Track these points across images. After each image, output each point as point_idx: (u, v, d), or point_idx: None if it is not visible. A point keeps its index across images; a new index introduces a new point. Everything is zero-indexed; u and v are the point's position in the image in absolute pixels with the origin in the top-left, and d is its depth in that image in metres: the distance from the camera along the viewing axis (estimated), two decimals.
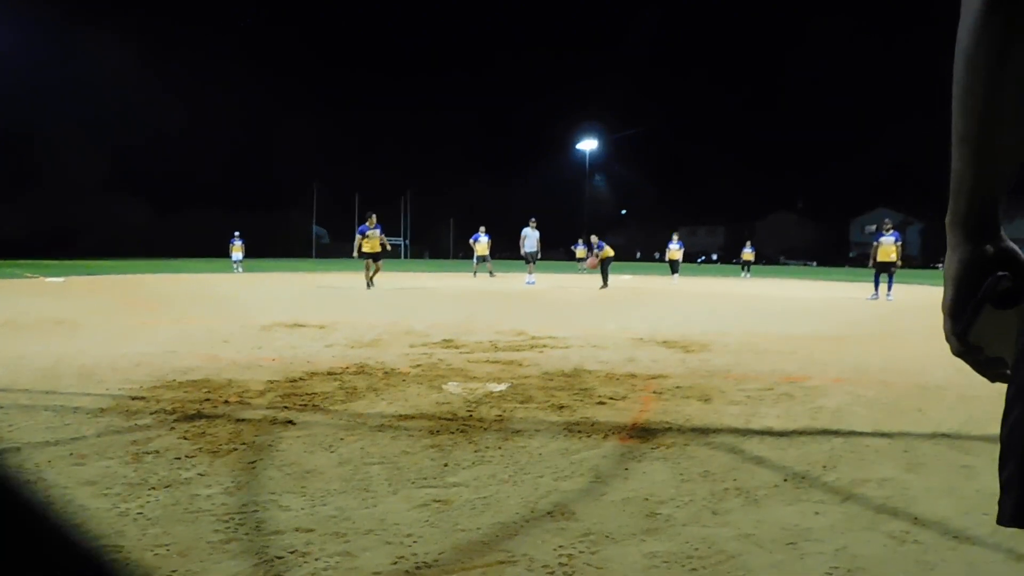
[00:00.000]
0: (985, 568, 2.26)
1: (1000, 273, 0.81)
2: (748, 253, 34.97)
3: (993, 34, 0.77)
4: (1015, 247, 0.83)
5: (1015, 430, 0.73)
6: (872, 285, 17.11)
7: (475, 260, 25.19)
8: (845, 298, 17.40)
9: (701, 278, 32.95)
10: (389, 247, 18.85)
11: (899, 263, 16.50)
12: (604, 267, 21.58)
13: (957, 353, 0.86)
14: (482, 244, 24.83)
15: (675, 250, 26.97)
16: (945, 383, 5.30)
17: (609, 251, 21.43)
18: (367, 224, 18.35)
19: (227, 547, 2.30)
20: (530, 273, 23.35)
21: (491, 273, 25.68)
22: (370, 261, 18.13)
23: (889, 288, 16.73)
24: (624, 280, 28.13)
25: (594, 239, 22.68)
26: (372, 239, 18.25)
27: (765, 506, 2.78)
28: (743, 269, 34.79)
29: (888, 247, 16.39)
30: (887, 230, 16.48)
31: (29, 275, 22.85)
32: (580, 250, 23.59)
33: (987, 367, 0.84)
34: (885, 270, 16.53)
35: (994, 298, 0.80)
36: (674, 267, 27.21)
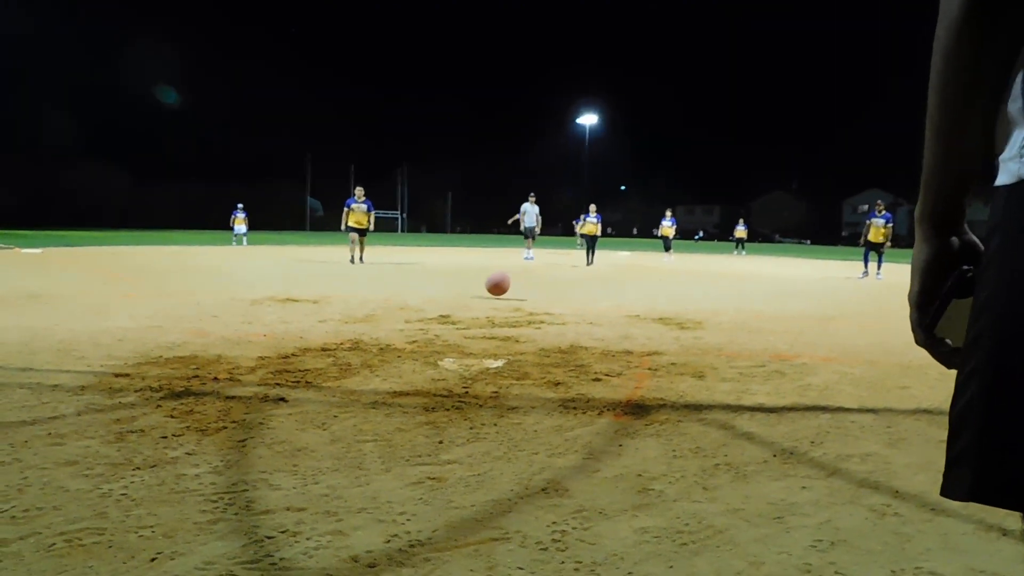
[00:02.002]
0: (958, 539, 2.33)
1: (964, 267, 0.84)
2: (741, 231, 35.23)
3: (972, 29, 0.78)
4: (977, 240, 0.85)
5: (970, 407, 0.75)
6: (862, 263, 17.35)
7: (524, 233, 24.97)
8: (836, 277, 17.49)
9: (697, 255, 33.01)
10: (372, 228, 18.63)
11: (888, 244, 17.05)
12: (591, 244, 21.62)
13: (921, 343, 0.89)
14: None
15: (667, 227, 26.98)
16: (928, 362, 5.27)
17: (591, 227, 21.49)
18: (354, 196, 18.22)
19: (215, 527, 2.29)
20: (528, 248, 23.34)
21: (590, 258, 25.49)
22: (355, 235, 18.00)
23: (879, 267, 17.19)
24: (621, 257, 28.17)
25: (592, 208, 22.66)
26: (357, 212, 18.07)
27: (754, 481, 2.84)
28: (737, 247, 34.99)
29: (878, 228, 16.92)
30: (879, 211, 17.00)
31: (3, 246, 22.62)
32: (589, 222, 23.53)
33: (949, 358, 0.86)
34: (874, 249, 16.99)
35: (958, 292, 0.83)
36: (667, 244, 27.22)
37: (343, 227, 18.28)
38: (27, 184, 58.91)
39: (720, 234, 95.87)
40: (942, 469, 0.77)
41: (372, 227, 18.65)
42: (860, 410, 4.02)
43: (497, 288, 9.81)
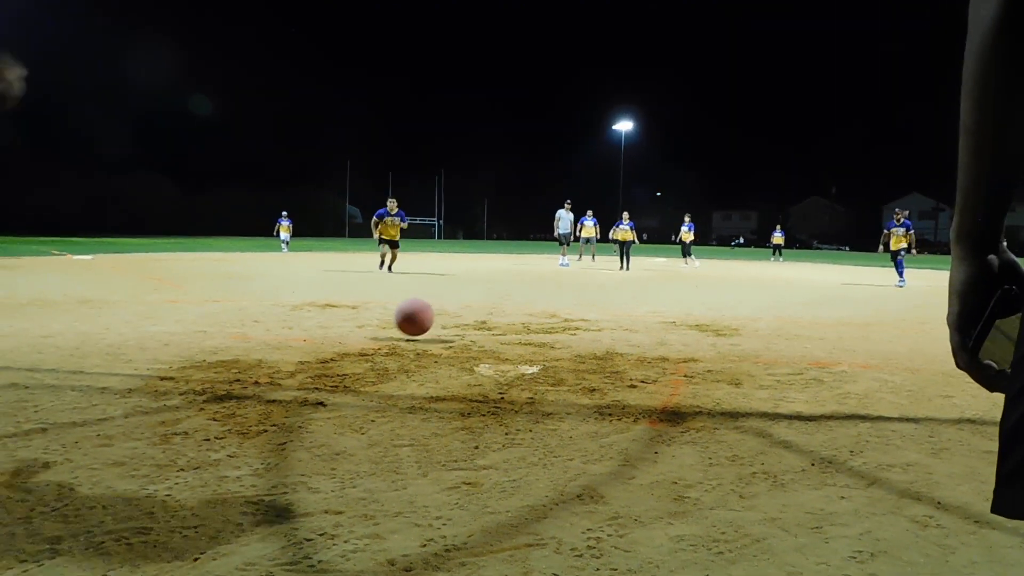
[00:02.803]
0: (1003, 552, 2.28)
1: (1006, 287, 0.82)
2: (778, 237, 34.85)
3: (1009, 33, 0.76)
4: (1015, 259, 0.84)
5: (1020, 425, 0.73)
6: (896, 272, 17.27)
7: (581, 242, 25.08)
8: (875, 283, 17.20)
9: (734, 262, 32.70)
10: (406, 226, 17.29)
11: (911, 251, 17.16)
12: (625, 250, 21.84)
13: (964, 367, 0.85)
14: (588, 227, 24.77)
15: (686, 232, 26.61)
16: None
17: (625, 233, 22.17)
18: (386, 208, 17.03)
19: (256, 529, 2.34)
20: (564, 255, 23.34)
21: (593, 257, 25.57)
22: (386, 247, 16.95)
23: (900, 273, 17.01)
24: (658, 263, 28.00)
25: (625, 215, 22.87)
26: (390, 225, 16.86)
27: (791, 490, 2.81)
28: (774, 253, 34.64)
29: (899, 236, 17.00)
30: (898, 220, 17.12)
31: (57, 252, 23.20)
32: (621, 229, 23.51)
33: (994, 381, 0.82)
34: (895, 257, 17.08)
35: (1001, 312, 0.81)
36: (686, 249, 26.72)
37: (376, 239, 17.19)
38: (79, 193, 60.46)
39: (758, 240, 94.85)
40: (986, 480, 0.77)
41: (406, 225, 17.47)
42: (901, 419, 3.96)
43: (410, 323, 6.30)
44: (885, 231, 17.34)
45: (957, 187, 0.83)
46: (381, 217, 16.88)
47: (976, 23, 0.79)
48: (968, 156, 0.81)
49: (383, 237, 16.79)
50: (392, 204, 17.01)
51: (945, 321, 0.89)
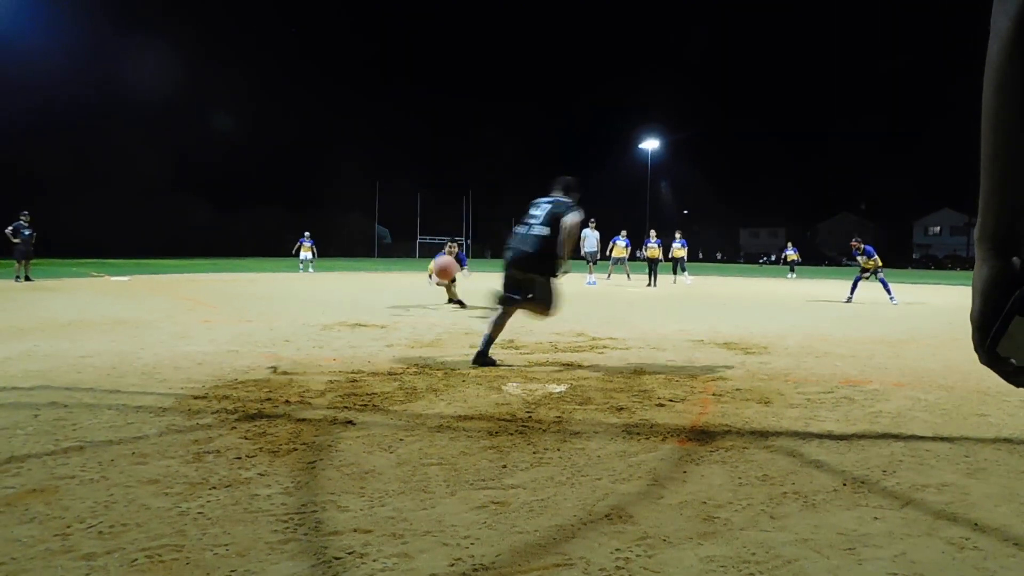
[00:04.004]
0: None
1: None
2: (792, 254, 34.28)
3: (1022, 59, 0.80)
4: None
5: None
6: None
7: (611, 262, 25.06)
8: (906, 300, 16.95)
9: (761, 279, 32.42)
10: (465, 273, 14.42)
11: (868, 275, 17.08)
12: (652, 268, 21.98)
13: (985, 363, 0.89)
14: (619, 247, 24.77)
15: (678, 248, 25.75)
16: (1008, 388, 5.14)
17: (653, 251, 22.71)
18: (445, 251, 13.69)
19: (285, 547, 2.36)
20: (591, 273, 23.29)
21: (628, 276, 25.50)
22: (448, 284, 13.55)
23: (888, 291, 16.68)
24: (684, 280, 27.86)
25: (652, 233, 22.91)
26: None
27: (823, 511, 2.78)
28: (790, 270, 34.16)
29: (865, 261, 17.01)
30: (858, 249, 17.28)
31: (95, 274, 23.65)
32: (650, 247, 23.36)
33: (1015, 376, 0.87)
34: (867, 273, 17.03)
35: (1020, 311, 0.83)
36: (677, 266, 25.76)
37: (431, 280, 13.73)
38: (116, 216, 61.65)
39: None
40: None
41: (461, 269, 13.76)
42: (935, 438, 3.90)
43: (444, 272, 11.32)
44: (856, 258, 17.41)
45: (980, 190, 0.87)
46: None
47: (995, 36, 0.83)
48: (989, 161, 0.85)
49: (440, 282, 13.52)
50: (452, 247, 13.88)
51: (968, 319, 0.92)
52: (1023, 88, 0.80)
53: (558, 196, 6.46)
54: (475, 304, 12.47)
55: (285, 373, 5.52)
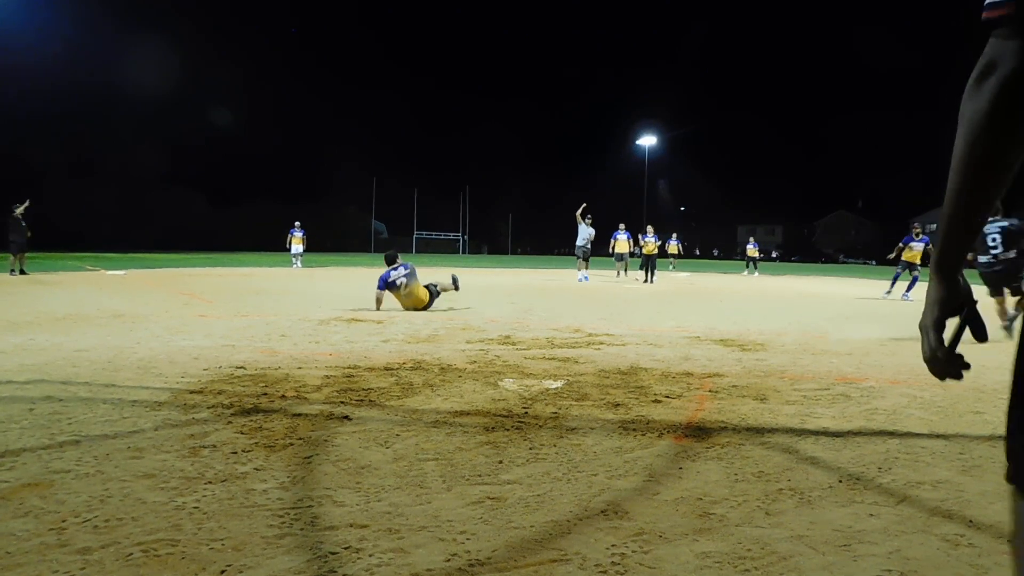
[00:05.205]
0: None
1: (970, 306, 1.18)
2: (752, 250, 33.24)
3: (1007, 118, 1.01)
4: (968, 283, 1.19)
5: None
6: (889, 282, 17.64)
7: (615, 258, 24.92)
8: (903, 299, 16.98)
9: (759, 276, 32.45)
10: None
11: (919, 267, 17.01)
12: (650, 263, 21.96)
13: (942, 357, 1.17)
14: (621, 242, 24.63)
15: (650, 243, 25.26)
16: (1003, 386, 5.15)
17: (650, 246, 22.94)
18: (391, 269, 10.69)
19: (281, 542, 2.36)
20: (579, 270, 22.96)
21: (626, 271, 25.38)
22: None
23: (910, 288, 16.99)
24: (682, 277, 27.88)
25: (650, 229, 22.93)
26: (407, 293, 10.58)
27: (819, 507, 2.79)
28: (747, 265, 32.86)
29: (915, 252, 16.95)
30: (917, 236, 17.07)
31: (91, 268, 23.62)
32: (646, 242, 23.24)
33: (960, 369, 1.18)
34: (909, 269, 17.02)
35: (961, 320, 1.19)
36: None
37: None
38: (112, 210, 61.56)
39: (784, 255, 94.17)
40: None
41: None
42: (930, 435, 3.91)
43: None
44: (900, 244, 17.26)
45: (940, 234, 1.15)
46: (388, 284, 10.60)
47: (967, 118, 1.05)
48: (952, 217, 1.11)
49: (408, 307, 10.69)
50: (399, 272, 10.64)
51: (919, 326, 1.21)
52: (992, 166, 1.05)
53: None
54: (466, 302, 12.47)
55: (279, 368, 5.52)
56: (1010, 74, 0.99)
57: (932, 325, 1.18)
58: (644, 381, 5.24)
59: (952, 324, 1.20)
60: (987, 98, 1.01)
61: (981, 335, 1.20)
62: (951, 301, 1.17)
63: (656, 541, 2.43)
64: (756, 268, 33.08)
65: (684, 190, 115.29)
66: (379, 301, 10.59)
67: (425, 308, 10.64)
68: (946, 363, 1.17)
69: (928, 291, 1.19)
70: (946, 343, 1.17)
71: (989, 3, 1.04)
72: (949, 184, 1.09)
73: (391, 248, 11.67)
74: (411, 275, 10.59)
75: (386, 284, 10.55)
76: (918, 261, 16.77)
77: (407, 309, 10.52)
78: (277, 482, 2.95)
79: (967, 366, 1.17)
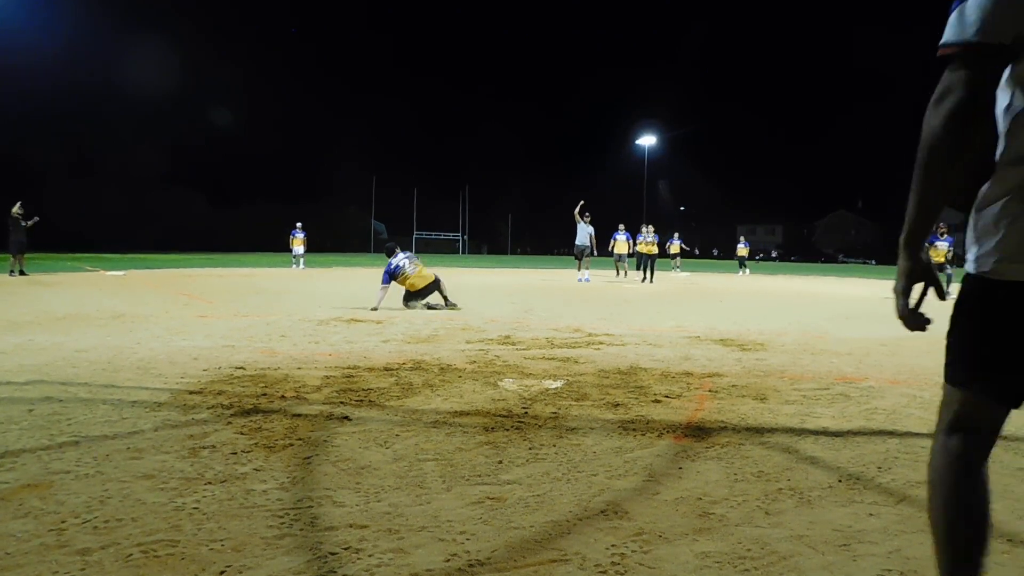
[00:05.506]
0: None
1: (932, 272, 1.53)
2: (743, 249, 33.09)
3: (958, 138, 1.35)
4: (929, 257, 1.54)
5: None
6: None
7: (615, 258, 24.87)
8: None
9: (759, 276, 32.47)
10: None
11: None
12: (649, 263, 21.96)
13: (907, 316, 1.55)
14: (620, 242, 24.58)
15: (621, 241, 25.09)
16: None
17: (648, 246, 22.98)
18: (392, 258, 11.10)
19: (281, 542, 2.36)
20: (578, 270, 22.91)
21: (625, 272, 25.32)
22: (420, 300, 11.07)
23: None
24: (682, 277, 27.89)
25: (649, 228, 22.95)
26: (413, 270, 11.02)
27: (819, 507, 2.78)
28: (740, 266, 32.81)
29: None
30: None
31: (90, 268, 23.63)
32: (642, 242, 23.23)
33: (923, 324, 1.56)
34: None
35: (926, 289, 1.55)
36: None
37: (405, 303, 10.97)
38: (112, 210, 61.52)
39: (784, 255, 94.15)
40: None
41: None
42: (930, 435, 3.86)
43: None
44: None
45: (907, 216, 1.48)
46: (394, 273, 10.92)
47: (927, 130, 1.38)
48: (917, 206, 1.46)
49: (411, 291, 10.96)
50: (401, 258, 11.09)
51: (892, 290, 1.57)
52: (949, 165, 1.39)
53: None
54: (465, 302, 12.47)
55: (279, 368, 5.52)
56: (959, 99, 1.33)
57: (900, 291, 1.53)
58: (644, 381, 5.24)
59: (918, 289, 1.54)
60: (942, 116, 1.35)
61: (940, 295, 1.54)
62: (914, 271, 1.51)
63: (656, 541, 2.43)
64: (744, 267, 32.92)
65: (684, 190, 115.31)
66: (380, 300, 10.74)
67: (429, 289, 10.97)
68: (912, 320, 1.54)
69: (898, 264, 1.53)
70: (911, 305, 1.53)
71: (942, 43, 1.36)
72: (913, 180, 1.43)
73: (390, 243, 11.80)
74: (413, 258, 11.18)
75: (391, 276, 10.90)
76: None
77: (413, 289, 10.90)
78: (277, 483, 2.94)
79: (929, 320, 1.55)
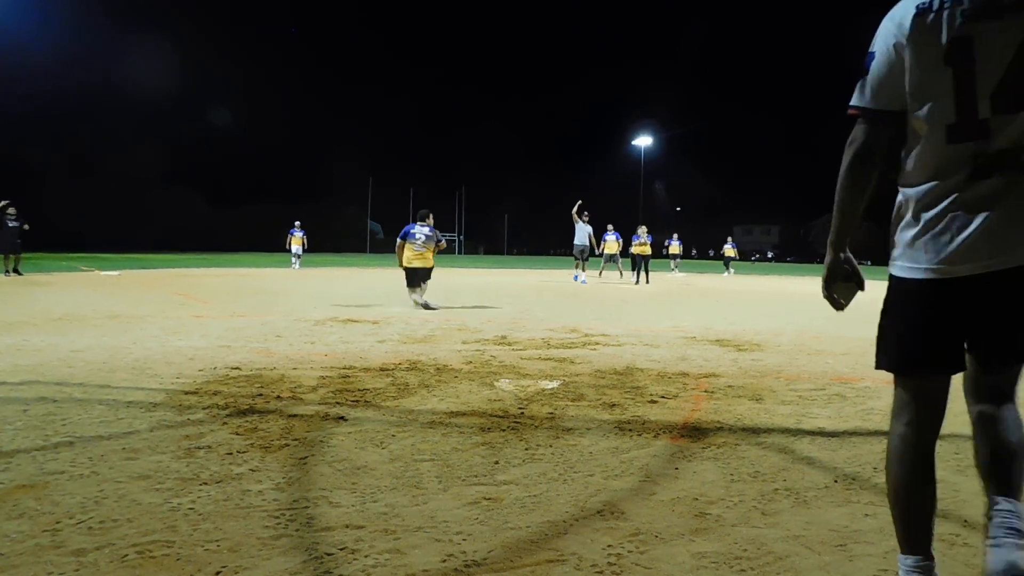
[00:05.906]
0: None
1: (854, 268, 2.01)
2: (729, 249, 33.11)
3: (860, 172, 1.88)
4: (851, 255, 1.99)
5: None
6: None
7: (604, 259, 24.80)
8: None
9: (755, 276, 32.49)
10: (444, 245, 12.16)
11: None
12: (643, 264, 21.93)
13: (827, 298, 2.08)
14: (611, 243, 24.50)
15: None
16: None
17: (642, 247, 22.56)
18: (417, 223, 11.79)
19: (277, 543, 2.35)
20: (576, 268, 22.89)
21: (620, 273, 25.28)
22: (416, 286, 11.51)
23: None
24: (679, 278, 27.91)
25: (643, 229, 22.86)
26: (419, 248, 11.52)
27: (815, 507, 2.79)
28: (725, 267, 32.76)
29: None
30: None
31: (85, 268, 23.59)
32: (636, 243, 23.16)
33: (839, 307, 2.09)
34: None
35: (842, 277, 2.01)
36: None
37: (400, 265, 11.65)
38: (112, 210, 61.47)
39: (780, 255, 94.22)
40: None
41: (444, 244, 12.31)
42: None
43: None
44: None
45: (833, 225, 1.96)
46: (406, 237, 11.58)
47: (842, 165, 1.89)
48: (840, 214, 1.93)
49: (408, 266, 11.49)
50: (429, 218, 11.89)
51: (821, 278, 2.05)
52: (859, 191, 1.89)
53: None
54: (462, 302, 12.45)
55: (275, 369, 5.51)
56: (859, 146, 1.86)
57: (825, 280, 2.04)
58: (640, 381, 5.24)
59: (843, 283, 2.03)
60: (848, 156, 1.87)
61: (860, 286, 2.05)
62: (838, 267, 1.99)
63: (652, 541, 2.43)
64: (732, 268, 32.83)
65: (680, 190, 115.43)
66: (400, 253, 11.48)
67: (418, 274, 11.44)
68: (833, 304, 2.08)
69: (825, 260, 2.01)
70: (833, 292, 2.05)
71: (850, 105, 1.88)
72: (835, 196, 1.92)
73: (392, 243, 12.09)
74: (431, 239, 11.63)
75: (405, 235, 11.57)
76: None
77: (408, 264, 11.42)
78: (273, 483, 2.94)
79: (844, 305, 2.09)
